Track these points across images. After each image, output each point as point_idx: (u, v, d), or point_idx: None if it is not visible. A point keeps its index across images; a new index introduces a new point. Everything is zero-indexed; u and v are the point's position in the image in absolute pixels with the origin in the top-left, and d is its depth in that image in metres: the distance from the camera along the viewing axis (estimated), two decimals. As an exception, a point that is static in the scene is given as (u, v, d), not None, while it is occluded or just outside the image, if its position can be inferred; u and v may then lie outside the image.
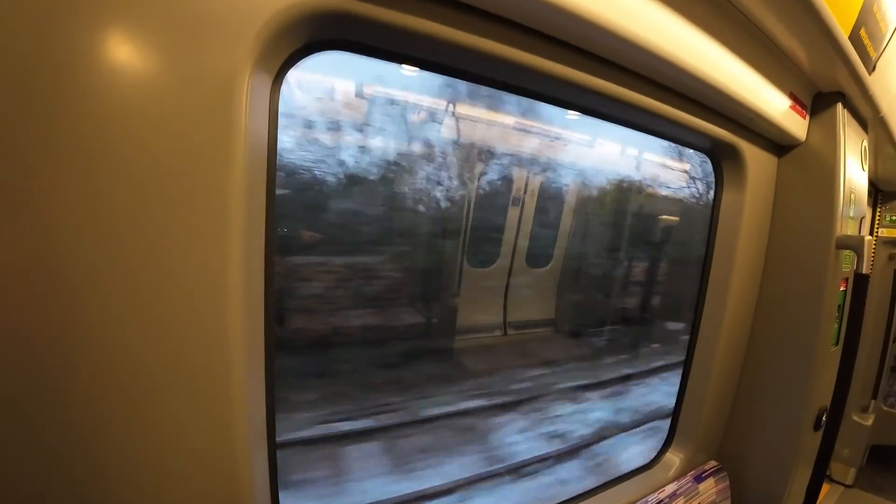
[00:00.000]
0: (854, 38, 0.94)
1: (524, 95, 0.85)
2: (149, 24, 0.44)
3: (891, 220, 2.34)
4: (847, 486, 2.50)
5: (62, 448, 0.47)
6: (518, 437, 2.68)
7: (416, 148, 2.86)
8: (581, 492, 1.18)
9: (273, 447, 0.68)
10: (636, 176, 3.25)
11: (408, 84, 2.61)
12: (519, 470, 2.43)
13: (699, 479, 1.30)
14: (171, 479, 0.53)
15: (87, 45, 0.42)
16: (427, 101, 2.75)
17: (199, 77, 0.47)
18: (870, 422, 2.45)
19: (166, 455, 0.52)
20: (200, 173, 0.49)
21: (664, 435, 1.41)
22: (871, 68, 1.09)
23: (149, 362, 0.49)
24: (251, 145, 0.52)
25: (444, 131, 2.88)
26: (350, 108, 2.56)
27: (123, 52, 0.43)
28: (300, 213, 2.80)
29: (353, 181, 2.69)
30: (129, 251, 0.46)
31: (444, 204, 3.07)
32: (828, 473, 2.50)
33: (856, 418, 2.46)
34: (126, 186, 0.45)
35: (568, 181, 3.62)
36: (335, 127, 2.68)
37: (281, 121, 0.60)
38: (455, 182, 3.10)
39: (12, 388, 0.44)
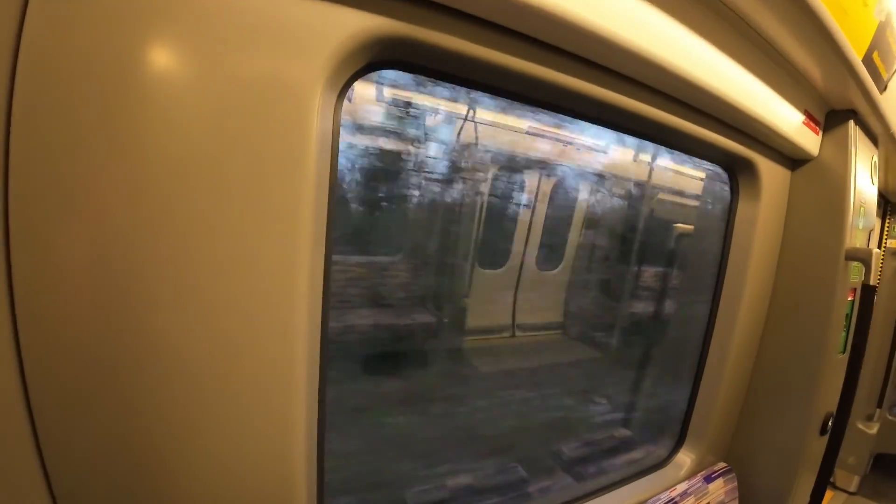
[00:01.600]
0: (867, 60, 0.99)
1: (552, 110, 0.90)
2: (232, 39, 0.47)
3: (899, 231, 2.38)
4: (851, 494, 2.52)
5: (129, 440, 0.50)
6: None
7: (430, 150, 2.90)
8: (595, 488, 1.23)
9: (322, 446, 0.71)
10: (650, 181, 3.28)
11: (421, 86, 2.65)
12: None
13: (709, 479, 1.34)
14: (231, 472, 0.56)
15: (168, 52, 0.44)
16: (442, 104, 2.78)
17: (275, 91, 0.51)
18: (874, 430, 2.48)
19: (228, 449, 0.55)
20: (272, 183, 0.52)
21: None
22: (883, 87, 1.13)
23: (219, 363, 0.52)
24: (319, 158, 0.56)
25: (456, 134, 2.92)
26: (367, 110, 2.61)
27: (205, 64, 0.46)
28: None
29: (361, 180, 2.73)
30: (202, 255, 0.49)
31: (456, 205, 3.12)
32: (832, 480, 2.53)
33: (861, 426, 2.49)
34: (203, 189, 0.48)
35: (580, 185, 3.66)
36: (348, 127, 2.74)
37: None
38: (467, 184, 3.14)
39: (83, 383, 0.47)
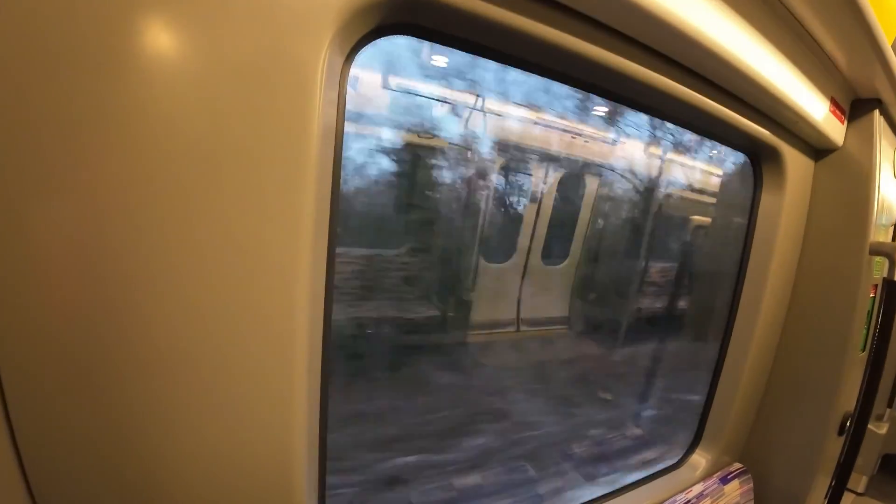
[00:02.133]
0: None
1: (570, 83, 0.84)
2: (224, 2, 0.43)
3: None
4: (858, 494, 2.50)
5: (121, 438, 0.47)
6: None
7: (434, 141, 2.84)
8: (610, 490, 1.19)
9: (324, 444, 0.68)
10: (659, 175, 3.23)
11: (429, 74, 2.58)
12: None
13: (725, 480, 1.30)
14: (229, 470, 0.53)
15: (159, 22, 0.40)
16: (448, 93, 2.72)
17: (273, 56, 0.46)
18: (884, 430, 2.45)
19: (225, 444, 0.51)
20: (274, 155, 0.47)
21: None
22: None
23: (215, 353, 0.48)
24: (323, 130, 0.51)
25: (461, 125, 2.86)
26: (372, 99, 2.55)
27: (196, 31, 0.42)
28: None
29: (364, 173, 2.67)
30: (197, 244, 0.45)
31: (461, 198, 3.07)
32: (840, 481, 2.50)
33: (871, 427, 2.46)
34: (196, 167, 0.44)
35: (587, 177, 3.61)
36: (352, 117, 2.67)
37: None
38: (473, 177, 3.09)
39: (71, 380, 0.44)
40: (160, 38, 0.40)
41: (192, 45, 0.42)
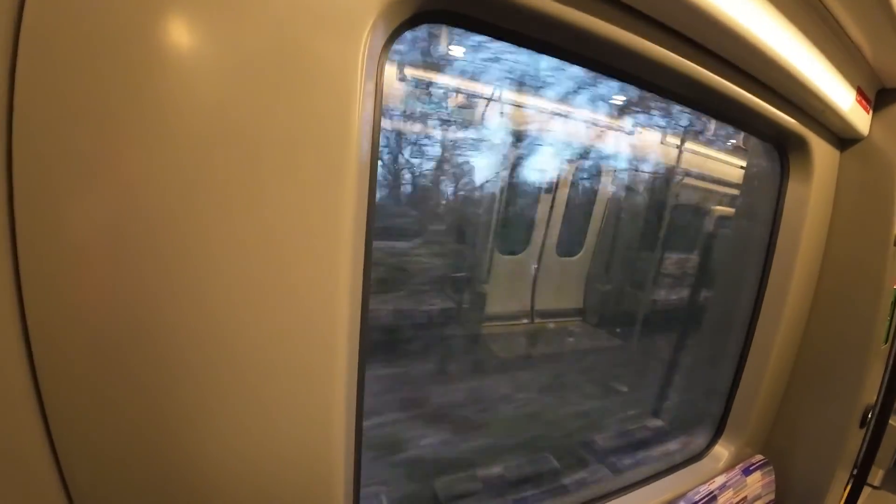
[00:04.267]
0: None
1: (599, 70, 0.83)
2: None
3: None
4: (874, 488, 2.49)
5: (161, 437, 0.46)
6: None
7: (448, 132, 2.83)
8: (634, 481, 1.20)
9: (360, 444, 0.67)
10: (677, 165, 3.19)
11: (448, 67, 2.57)
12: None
13: (747, 471, 1.31)
14: (270, 463, 0.52)
15: (202, 16, 0.40)
16: (464, 84, 2.71)
17: (316, 43, 0.45)
18: (901, 424, 2.44)
19: (267, 437, 0.51)
20: (316, 147, 0.47)
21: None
22: None
23: (257, 348, 0.48)
24: (363, 121, 0.50)
25: (476, 116, 2.84)
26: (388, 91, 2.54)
27: (240, 22, 0.41)
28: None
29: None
30: (239, 231, 0.44)
31: (475, 190, 3.06)
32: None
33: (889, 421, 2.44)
34: (237, 160, 0.43)
35: (603, 168, 3.58)
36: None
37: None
38: (487, 167, 3.08)
39: (109, 376, 0.43)
40: (201, 33, 0.40)
41: (234, 39, 0.41)
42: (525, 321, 3.46)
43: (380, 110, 0.56)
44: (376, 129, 0.57)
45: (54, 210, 0.39)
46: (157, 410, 0.45)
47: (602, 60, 0.80)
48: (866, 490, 2.45)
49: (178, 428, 0.46)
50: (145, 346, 0.43)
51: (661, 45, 0.74)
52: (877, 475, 2.51)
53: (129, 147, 0.39)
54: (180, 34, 0.39)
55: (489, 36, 0.68)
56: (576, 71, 2.86)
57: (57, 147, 0.38)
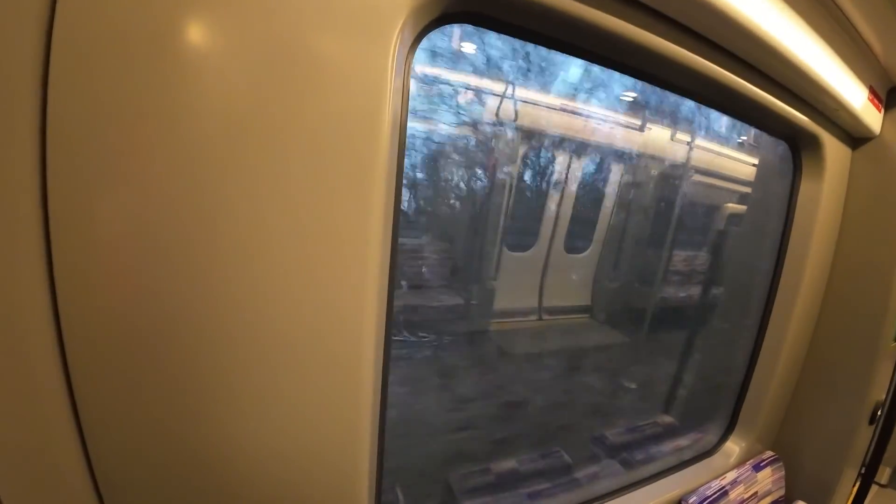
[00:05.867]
0: None
1: (612, 67, 0.84)
2: None
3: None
4: (882, 486, 2.49)
5: (189, 431, 0.47)
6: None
7: (457, 129, 2.83)
8: (647, 476, 1.22)
9: (383, 438, 0.69)
10: (687, 162, 3.18)
11: (455, 62, 2.56)
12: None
13: (758, 467, 1.32)
14: (296, 465, 0.54)
15: (218, 20, 0.40)
16: (472, 80, 2.70)
17: (349, 42, 0.45)
18: (910, 421, 2.43)
19: (294, 440, 0.52)
20: (347, 146, 0.47)
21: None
22: None
23: (287, 342, 0.49)
24: (392, 121, 0.50)
25: (486, 112, 2.84)
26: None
27: (264, 30, 0.42)
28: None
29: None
30: (269, 228, 0.45)
31: (484, 186, 3.06)
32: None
33: (896, 417, 2.45)
34: (259, 167, 0.44)
35: (612, 165, 3.57)
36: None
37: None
38: (496, 164, 3.08)
39: (140, 376, 0.44)
40: (233, 35, 0.41)
41: (264, 40, 0.42)
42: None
43: (406, 109, 0.57)
44: (403, 128, 0.57)
45: (87, 209, 0.40)
46: (184, 405, 0.46)
47: (621, 59, 0.81)
48: (874, 488, 2.46)
49: (206, 422, 0.47)
50: (174, 342, 0.44)
51: (677, 44, 0.75)
52: (884, 473, 2.51)
53: (159, 146, 0.40)
54: (212, 36, 0.40)
55: (512, 36, 0.70)
56: (587, 67, 2.85)
57: (89, 147, 0.39)
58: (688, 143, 3.11)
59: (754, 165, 1.78)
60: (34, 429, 0.44)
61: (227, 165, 0.42)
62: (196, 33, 0.40)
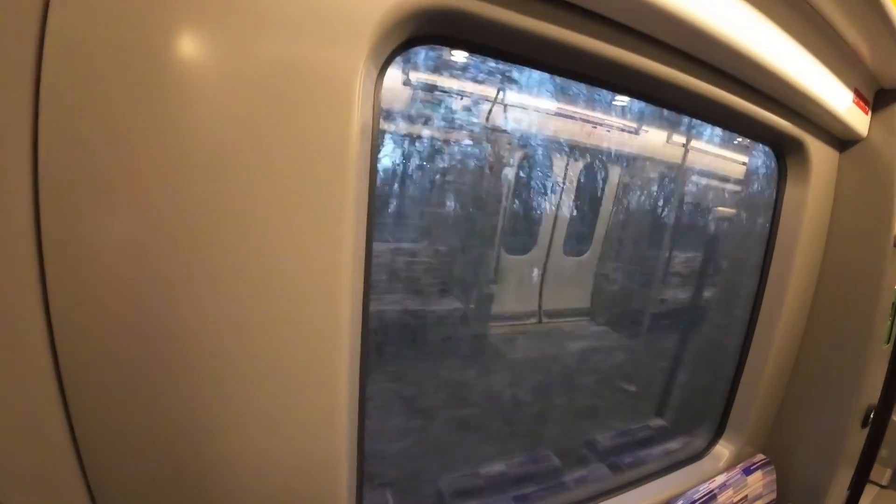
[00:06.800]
0: None
1: (594, 84, 0.86)
2: (267, 17, 0.45)
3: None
4: (882, 487, 2.47)
5: (172, 436, 0.49)
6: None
7: (452, 133, 2.84)
8: (634, 479, 1.23)
9: (362, 438, 0.70)
10: (683, 164, 3.18)
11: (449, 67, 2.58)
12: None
13: (748, 471, 1.32)
14: (273, 470, 0.55)
15: (198, 35, 0.42)
16: (467, 85, 2.71)
17: (314, 68, 0.48)
18: (909, 422, 2.42)
19: (271, 442, 0.54)
20: (315, 168, 0.49)
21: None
22: None
23: (263, 351, 0.51)
24: (361, 140, 0.53)
25: (481, 116, 2.86)
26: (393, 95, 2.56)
27: (241, 46, 0.44)
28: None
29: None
30: (243, 244, 0.47)
31: (483, 190, 3.08)
32: (863, 473, 2.48)
33: (895, 418, 2.43)
34: (241, 177, 0.46)
35: (610, 168, 3.57)
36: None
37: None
38: (494, 168, 3.09)
39: (126, 381, 0.46)
40: (214, 50, 0.43)
41: (243, 56, 0.44)
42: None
43: (377, 126, 0.60)
44: (374, 145, 0.60)
45: (77, 215, 0.41)
46: (167, 409, 0.48)
47: (598, 76, 0.82)
48: (873, 489, 2.45)
49: (186, 428, 0.49)
50: (155, 349, 0.46)
51: (655, 60, 0.77)
52: (884, 474, 2.49)
53: (145, 155, 0.42)
54: (197, 50, 0.42)
55: (485, 55, 0.71)
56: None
57: (79, 155, 0.40)
58: (683, 146, 3.11)
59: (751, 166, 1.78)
60: (26, 430, 0.45)
61: (209, 176, 0.44)
62: (182, 50, 0.42)
